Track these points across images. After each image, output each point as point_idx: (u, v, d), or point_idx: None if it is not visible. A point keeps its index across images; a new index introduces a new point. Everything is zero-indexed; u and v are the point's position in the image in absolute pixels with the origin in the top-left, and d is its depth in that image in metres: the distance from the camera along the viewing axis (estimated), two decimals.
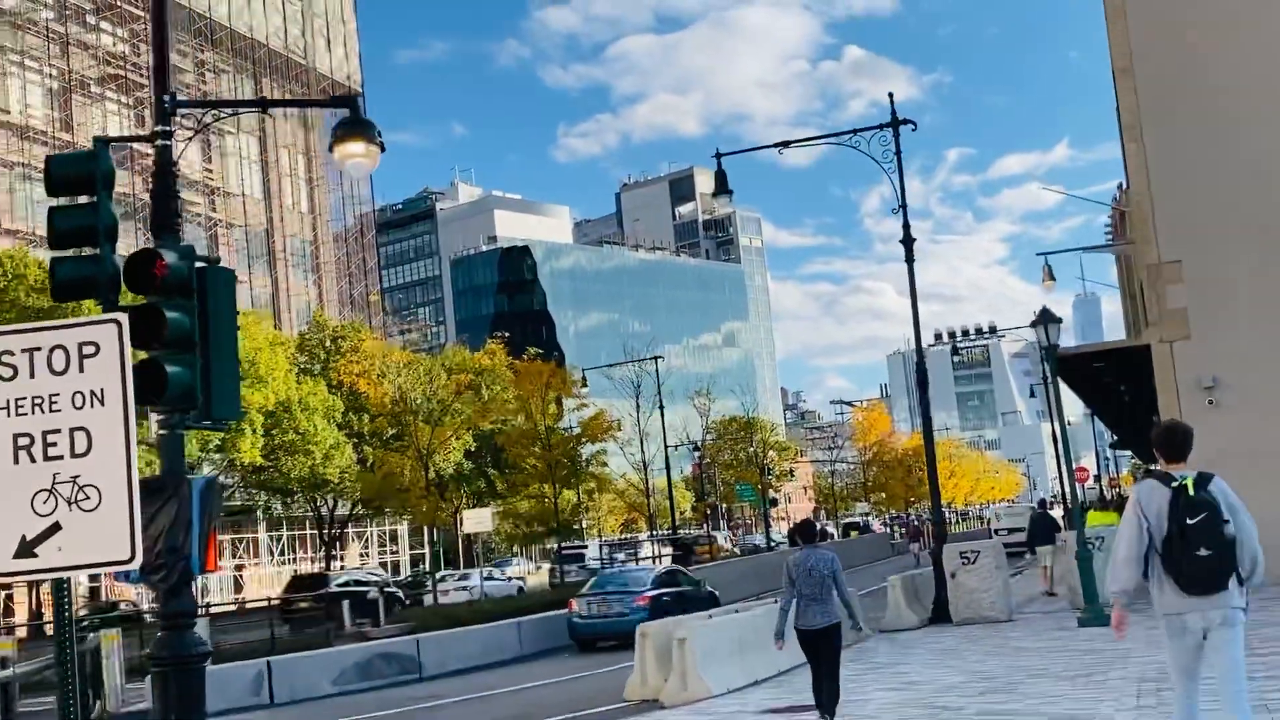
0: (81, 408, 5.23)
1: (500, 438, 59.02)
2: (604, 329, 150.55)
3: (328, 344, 59.47)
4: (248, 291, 70.18)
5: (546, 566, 71.70)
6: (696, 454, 78.79)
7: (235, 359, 9.76)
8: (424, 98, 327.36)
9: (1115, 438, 63.59)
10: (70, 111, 61.92)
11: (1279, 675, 12.35)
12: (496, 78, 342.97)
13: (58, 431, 5.20)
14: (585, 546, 63.43)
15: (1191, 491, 6.95)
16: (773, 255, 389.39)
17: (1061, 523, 34.39)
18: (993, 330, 72.28)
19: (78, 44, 63.17)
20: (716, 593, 29.20)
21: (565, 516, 65.77)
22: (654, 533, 67.04)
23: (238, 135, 73.74)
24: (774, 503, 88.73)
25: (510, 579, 54.85)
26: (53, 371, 5.27)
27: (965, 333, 72.70)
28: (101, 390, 5.25)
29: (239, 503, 58.40)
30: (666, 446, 60.19)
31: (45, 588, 36.06)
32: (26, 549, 5.13)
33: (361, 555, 72.73)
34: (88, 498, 5.15)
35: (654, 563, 49.63)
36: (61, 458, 5.18)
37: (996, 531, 49.81)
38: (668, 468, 62.19)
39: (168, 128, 9.88)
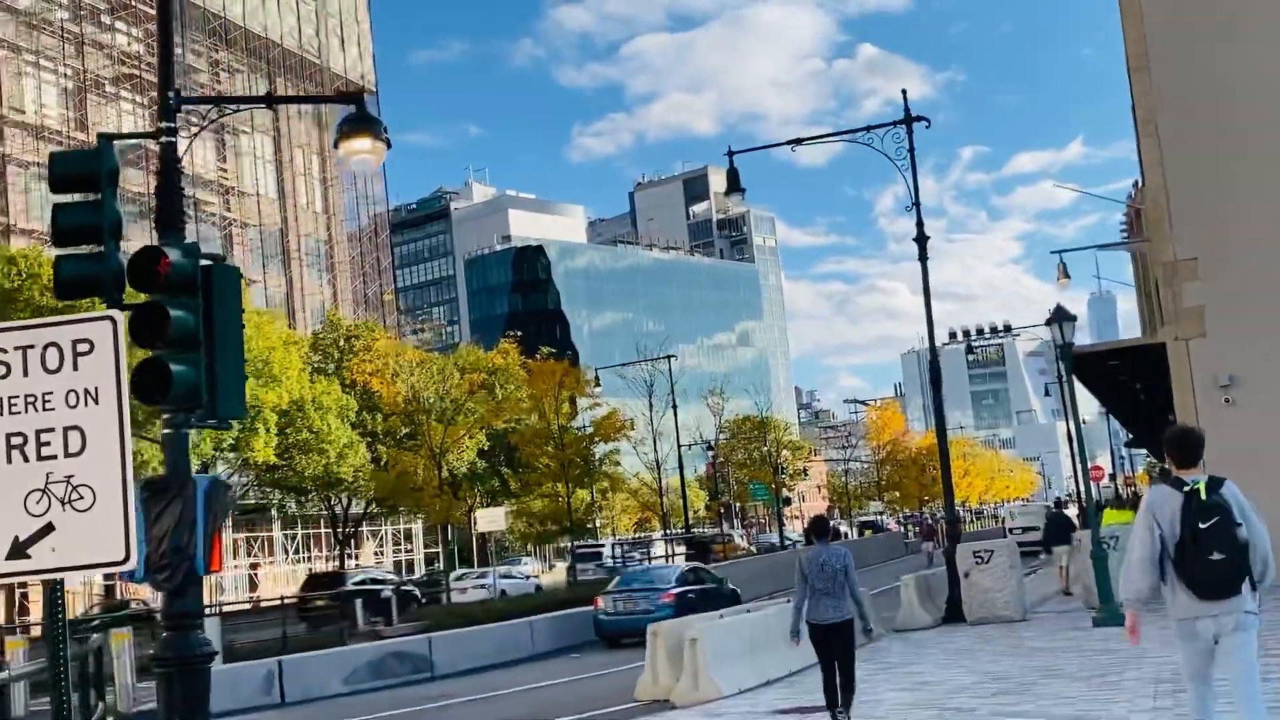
0: (75, 406, 5.15)
1: (514, 437, 59.08)
2: (618, 328, 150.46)
3: (341, 343, 59.51)
4: (262, 291, 70.35)
5: (560, 565, 71.68)
6: (710, 453, 78.71)
7: (241, 357, 9.63)
8: (438, 98, 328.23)
9: (1130, 436, 63.39)
10: (85, 111, 62.03)
11: None
12: (511, 77, 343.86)
13: (51, 430, 5.13)
14: (601, 545, 63.43)
15: (1204, 496, 6.94)
16: (786, 255, 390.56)
17: (1076, 522, 34.19)
18: (1007, 329, 72.30)
19: (92, 44, 63.27)
20: (738, 590, 29.45)
21: (579, 515, 65.79)
22: (667, 532, 66.99)
23: (252, 135, 73.94)
24: (787, 502, 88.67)
25: (528, 578, 54.88)
26: (46, 369, 5.19)
27: (980, 331, 72.85)
28: (96, 389, 5.17)
29: (253, 501, 58.55)
30: (680, 446, 60.10)
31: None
32: (19, 550, 5.05)
33: (376, 554, 72.85)
34: (81, 498, 5.08)
35: (667, 561, 49.54)
36: (55, 457, 5.11)
37: (1011, 531, 49.53)
38: (681, 467, 62.07)
39: (172, 124, 9.80)
